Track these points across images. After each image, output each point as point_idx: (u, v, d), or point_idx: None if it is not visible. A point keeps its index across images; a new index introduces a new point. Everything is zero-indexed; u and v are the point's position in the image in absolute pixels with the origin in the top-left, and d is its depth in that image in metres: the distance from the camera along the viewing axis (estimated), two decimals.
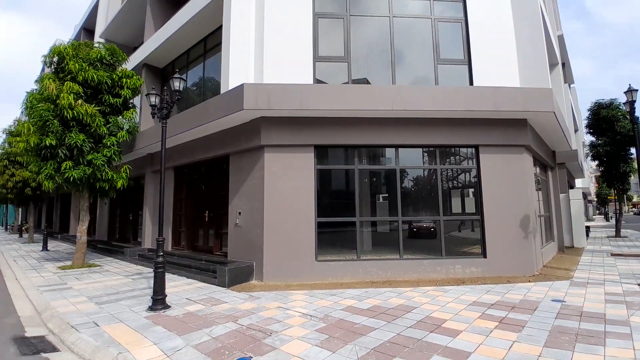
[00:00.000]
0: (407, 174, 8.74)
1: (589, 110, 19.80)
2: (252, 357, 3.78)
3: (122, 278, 8.37)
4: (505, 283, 7.25)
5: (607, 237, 18.55)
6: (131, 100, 11.41)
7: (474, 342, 4.11)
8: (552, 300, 5.88)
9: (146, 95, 6.73)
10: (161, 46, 11.71)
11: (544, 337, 4.23)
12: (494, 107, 7.85)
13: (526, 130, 8.35)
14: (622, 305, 5.52)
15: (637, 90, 7.46)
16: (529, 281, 7.37)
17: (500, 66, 8.83)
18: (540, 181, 11.21)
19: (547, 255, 10.31)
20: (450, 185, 8.84)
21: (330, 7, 9.02)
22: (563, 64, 20.49)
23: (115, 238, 15.37)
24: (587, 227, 22.98)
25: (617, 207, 19.96)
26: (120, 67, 11.30)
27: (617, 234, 18.28)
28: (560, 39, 17.87)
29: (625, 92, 7.67)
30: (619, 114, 18.52)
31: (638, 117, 8.62)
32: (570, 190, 14.01)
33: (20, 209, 31.77)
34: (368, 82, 9.03)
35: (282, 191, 7.65)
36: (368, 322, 4.84)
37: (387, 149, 8.55)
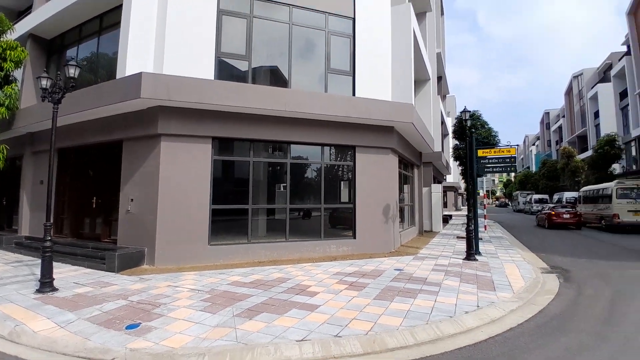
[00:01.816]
0: (301, 168, 9.99)
1: (455, 119, 24.06)
2: (141, 323, 4.46)
3: (1, 265, 7.84)
4: (368, 258, 9.08)
5: (462, 223, 23.08)
6: (12, 73, 10.21)
7: (326, 299, 5.47)
8: (394, 269, 7.77)
9: (37, 77, 6.48)
10: (52, 17, 10.64)
11: (376, 293, 5.83)
12: (367, 115, 9.56)
13: (393, 135, 10.30)
14: (442, 273, 7.58)
15: (470, 111, 9.89)
16: (386, 256, 9.34)
17: (377, 81, 10.60)
18: (406, 177, 13.70)
19: (408, 237, 12.82)
20: (331, 178, 10.39)
21: (235, 5, 9.54)
22: (440, 78, 24.32)
23: None
24: (449, 216, 27.80)
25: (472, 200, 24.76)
26: (5, 38, 10.01)
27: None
28: (439, 56, 21.28)
29: (460, 112, 10.07)
30: (478, 123, 23.00)
31: (473, 130, 11.36)
32: (433, 185, 17.20)
33: None
34: (274, 70, 9.91)
35: (178, 179, 8.09)
36: (248, 292, 5.88)
37: (280, 144, 9.61)
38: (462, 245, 11.64)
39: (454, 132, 23.94)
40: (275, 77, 10.09)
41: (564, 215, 20.17)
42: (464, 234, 15.29)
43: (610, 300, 5.91)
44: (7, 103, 9.63)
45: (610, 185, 19.06)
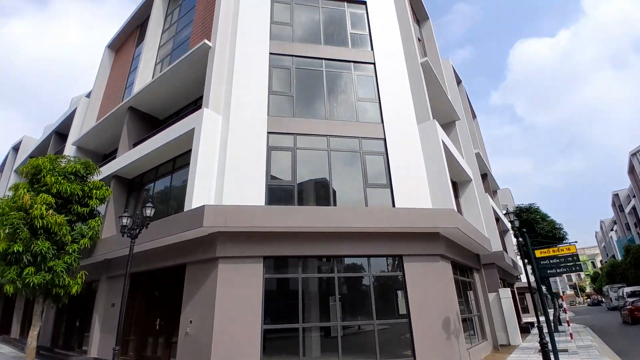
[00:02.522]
0: (350, 281, 10.03)
1: (512, 214, 23.01)
2: None
3: None
4: None
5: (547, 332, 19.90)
6: (97, 208, 12.34)
7: None
8: None
9: (119, 217, 7.91)
10: (133, 162, 13.21)
11: None
12: (410, 224, 9.80)
13: (439, 241, 10.21)
14: None
15: (512, 212, 9.67)
16: None
17: (414, 190, 11.09)
18: (466, 283, 12.85)
19: (480, 354, 11.38)
20: (381, 291, 10.14)
21: (282, 142, 11.21)
22: (485, 175, 24.38)
23: (59, 344, 14.49)
24: (530, 324, 24.43)
25: (554, 302, 21.90)
26: (91, 179, 12.48)
27: (555, 329, 19.71)
28: (478, 155, 21.77)
29: (504, 214, 9.89)
30: (537, 216, 21.70)
31: (524, 231, 10.91)
32: (500, 290, 15.70)
33: None
34: (319, 190, 10.89)
35: (232, 299, 8.52)
36: None
37: (327, 258, 9.93)
38: None
39: (512, 228, 22.74)
40: (320, 197, 11.02)
41: None
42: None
43: None
44: (90, 234, 11.30)
45: None
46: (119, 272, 11.68)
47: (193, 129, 10.60)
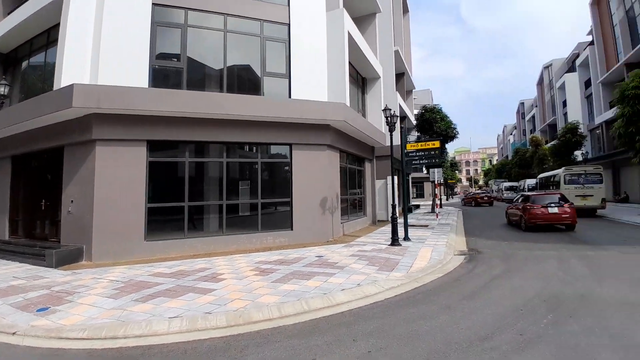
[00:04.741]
0: (239, 166, 10.64)
1: (417, 113, 24.90)
2: (50, 307, 5.11)
3: None
4: (302, 248, 9.80)
5: (425, 212, 24.04)
6: None
7: (228, 284, 6.15)
8: (316, 256, 8.49)
9: None
10: (5, 34, 11.10)
11: (278, 277, 6.53)
12: (301, 115, 10.24)
13: (328, 132, 10.98)
14: (357, 257, 8.31)
15: (391, 109, 10.51)
16: (319, 245, 10.08)
17: (313, 82, 11.25)
18: (356, 171, 14.45)
19: (355, 227, 13.60)
20: (270, 175, 11.06)
21: (169, 17, 10.07)
22: (402, 74, 25.03)
23: None
24: (416, 205, 28.65)
25: (432, 191, 25.76)
26: None
27: (432, 210, 23.81)
28: (397, 53, 21.95)
29: (382, 110, 10.68)
30: (438, 117, 23.85)
31: (402, 128, 12.08)
32: (388, 177, 17.92)
33: None
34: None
35: (114, 180, 8.65)
36: (162, 281, 6.53)
37: (217, 144, 10.20)
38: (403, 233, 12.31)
39: (416, 125, 24.87)
40: (212, 82, 10.66)
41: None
42: (415, 223, 16.21)
43: (491, 278, 6.65)
44: None
45: (559, 172, 20.11)
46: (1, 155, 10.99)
47: None
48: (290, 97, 11.08)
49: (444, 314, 4.74)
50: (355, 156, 14.28)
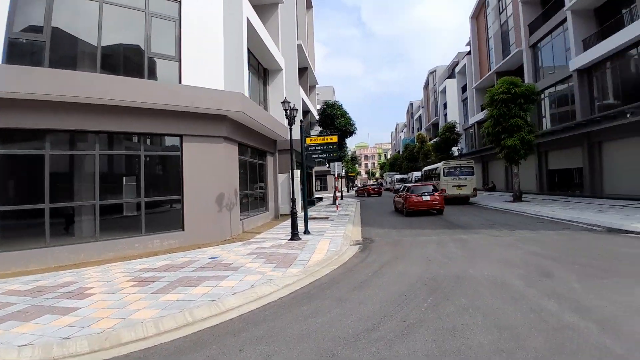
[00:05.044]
0: (116, 160, 9.20)
1: (320, 109, 25.50)
2: None
3: None
4: (196, 249, 8.99)
5: (327, 205, 24.89)
6: None
7: (96, 300, 5.17)
8: (209, 258, 7.85)
9: None
10: None
11: (161, 286, 5.75)
12: (193, 103, 9.32)
13: (225, 123, 10.28)
14: (255, 256, 7.92)
15: (289, 102, 10.38)
16: (215, 245, 9.40)
17: (207, 69, 10.35)
18: (257, 164, 13.99)
19: (257, 222, 13.19)
20: (155, 169, 9.90)
21: None
22: (306, 68, 25.23)
23: None
24: (319, 198, 29.43)
25: (334, 184, 26.88)
26: None
27: (333, 202, 24.77)
28: (300, 47, 21.96)
29: (281, 102, 10.48)
30: (338, 112, 24.77)
31: (302, 121, 12.05)
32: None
33: None
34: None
35: None
36: (14, 300, 5.29)
37: (88, 134, 8.64)
38: (309, 227, 12.23)
39: (319, 120, 25.48)
40: (84, 61, 8.96)
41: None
42: (317, 215, 16.56)
43: (381, 265, 6.99)
44: None
45: (439, 165, 22.85)
46: None
47: None
48: (180, 82, 10.03)
49: (335, 307, 4.74)
50: (256, 149, 13.80)
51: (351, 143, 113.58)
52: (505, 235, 9.69)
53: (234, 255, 8.03)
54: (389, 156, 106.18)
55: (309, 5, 30.01)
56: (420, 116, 68.78)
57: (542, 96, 23.62)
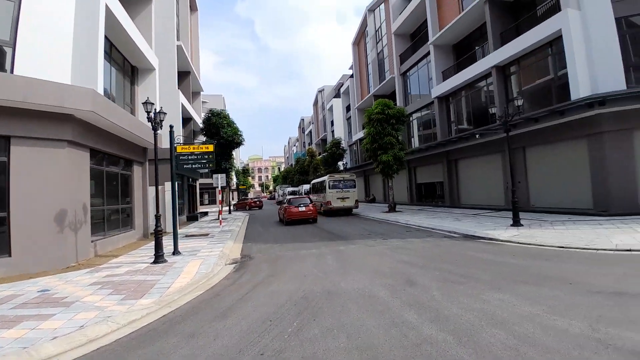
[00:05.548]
0: None
1: (203, 117, 23.96)
2: None
3: None
4: (26, 280, 7.04)
5: (211, 220, 23.27)
6: None
7: None
8: (39, 291, 6.17)
9: None
10: None
11: None
12: (25, 98, 7.40)
13: (71, 125, 8.46)
14: (99, 286, 6.46)
15: (153, 104, 9.13)
16: (54, 274, 7.52)
17: (50, 58, 8.47)
18: (119, 175, 12.02)
19: (117, 243, 11.21)
20: None
21: None
22: (188, 73, 23.50)
23: None
24: (204, 213, 27.45)
25: (218, 197, 25.43)
26: None
27: (230, 212, 23.29)
28: (180, 48, 20.28)
29: (142, 103, 9.15)
30: (225, 122, 23.61)
31: (172, 126, 10.90)
32: (166, 183, 16.10)
33: None
34: None
35: None
36: None
37: None
38: (182, 246, 10.82)
39: (202, 129, 23.90)
40: None
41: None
42: (196, 232, 15.14)
43: (253, 286, 6.43)
44: None
45: (325, 179, 23.72)
46: None
47: None
48: (12, 72, 7.92)
49: (183, 346, 4.00)
50: (119, 158, 11.86)
51: (244, 155, 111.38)
52: (379, 244, 10.26)
53: (72, 287, 6.46)
54: (282, 169, 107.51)
55: (194, 8, 28.33)
56: (310, 131, 71.56)
57: (411, 118, 26.87)
